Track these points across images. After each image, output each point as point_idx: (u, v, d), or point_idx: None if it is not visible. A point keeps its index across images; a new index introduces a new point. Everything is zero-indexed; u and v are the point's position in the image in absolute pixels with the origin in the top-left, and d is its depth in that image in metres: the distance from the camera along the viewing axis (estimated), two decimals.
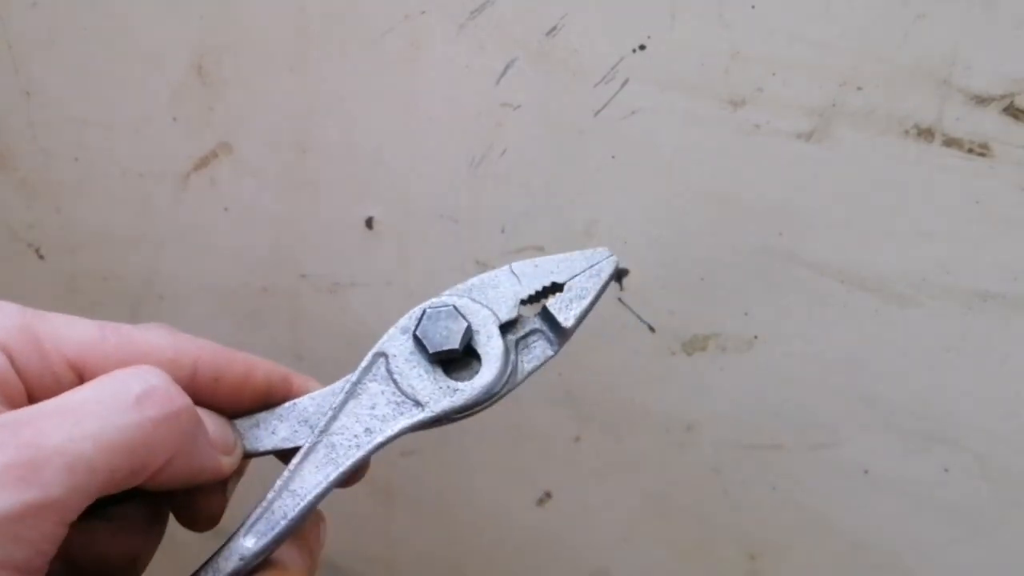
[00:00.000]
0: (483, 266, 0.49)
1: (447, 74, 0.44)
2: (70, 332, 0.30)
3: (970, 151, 0.39)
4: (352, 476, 0.34)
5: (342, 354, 0.54)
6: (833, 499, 0.49)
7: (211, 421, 0.31)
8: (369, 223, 0.50)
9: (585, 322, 0.34)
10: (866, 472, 0.48)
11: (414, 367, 0.33)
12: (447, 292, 0.35)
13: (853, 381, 0.45)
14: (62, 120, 0.52)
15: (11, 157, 0.55)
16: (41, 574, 0.24)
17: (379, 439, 0.33)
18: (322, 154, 0.49)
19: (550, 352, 0.34)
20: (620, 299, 0.47)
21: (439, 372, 0.33)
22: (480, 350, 0.33)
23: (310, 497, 0.32)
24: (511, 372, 0.33)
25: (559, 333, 0.34)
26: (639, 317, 0.47)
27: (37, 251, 0.58)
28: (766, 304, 0.45)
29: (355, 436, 0.33)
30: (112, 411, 0.26)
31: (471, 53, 0.43)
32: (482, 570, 0.62)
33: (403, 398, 0.33)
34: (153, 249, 0.55)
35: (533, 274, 0.34)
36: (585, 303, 0.34)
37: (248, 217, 0.52)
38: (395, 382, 0.33)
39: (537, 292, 0.34)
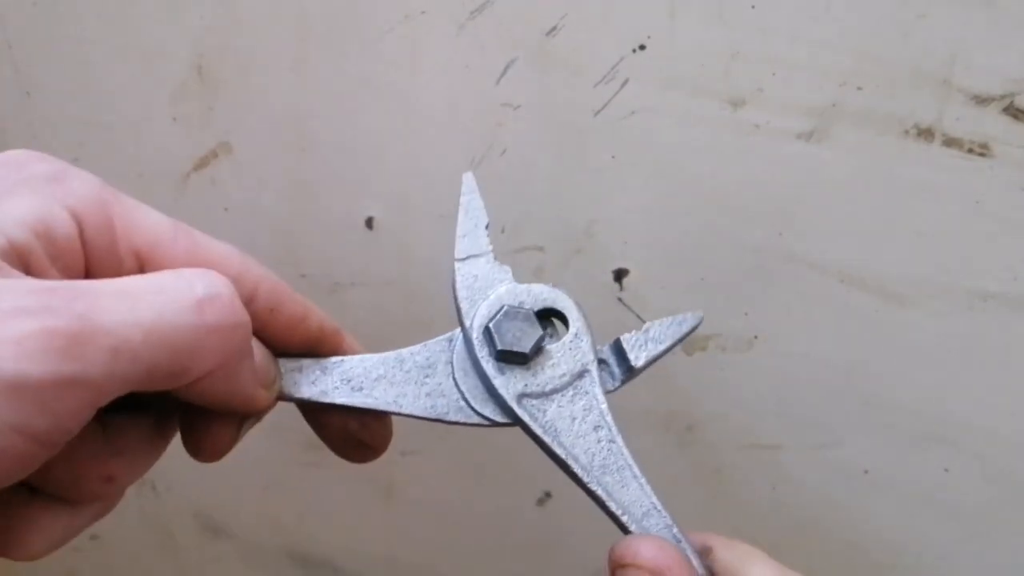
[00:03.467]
0: None
1: (447, 74, 0.44)
2: (144, 221, 0.29)
3: (970, 151, 0.39)
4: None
5: None
6: (833, 499, 0.49)
7: (258, 350, 0.30)
8: (369, 223, 0.50)
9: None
10: (866, 472, 0.48)
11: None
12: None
13: (853, 381, 0.45)
14: (62, 120, 0.52)
15: None
16: (57, 450, 0.23)
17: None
18: (322, 154, 0.49)
19: (610, 386, 0.34)
20: (620, 299, 0.47)
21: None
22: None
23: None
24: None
25: (625, 370, 0.33)
26: (639, 317, 0.47)
27: None
28: (766, 304, 0.45)
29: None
30: (171, 306, 0.25)
31: (471, 53, 0.43)
32: (482, 570, 0.62)
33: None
34: None
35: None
36: (660, 348, 0.33)
37: (248, 217, 0.52)
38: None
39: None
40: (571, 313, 0.33)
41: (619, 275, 0.47)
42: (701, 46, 0.40)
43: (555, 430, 0.32)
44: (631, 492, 0.32)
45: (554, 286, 0.33)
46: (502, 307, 0.33)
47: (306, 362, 0.33)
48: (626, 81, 0.42)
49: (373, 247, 0.50)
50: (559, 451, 0.32)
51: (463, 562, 0.62)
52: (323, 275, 0.53)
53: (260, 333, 0.31)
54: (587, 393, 0.32)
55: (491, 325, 0.32)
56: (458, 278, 0.34)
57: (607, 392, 0.33)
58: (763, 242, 0.43)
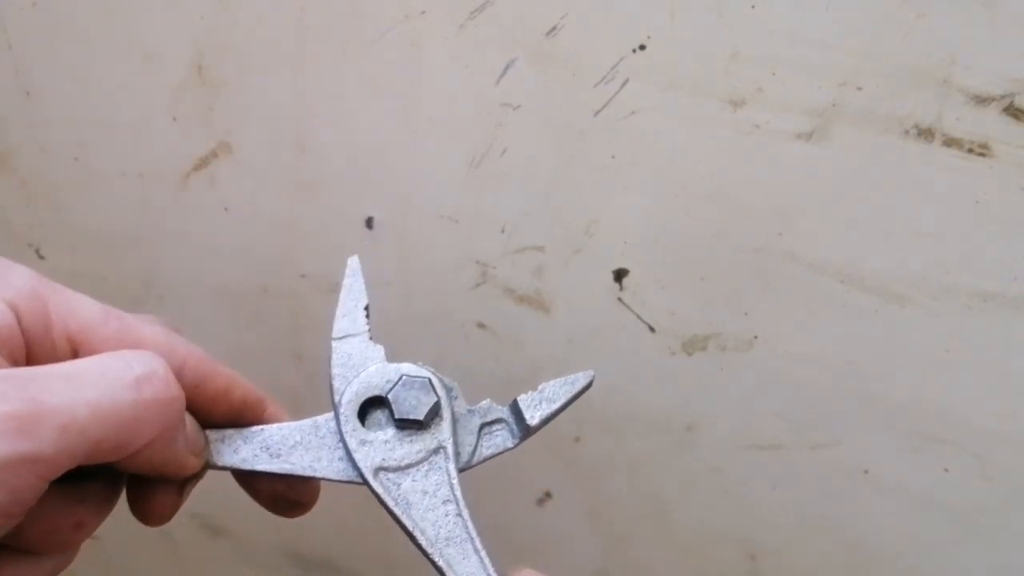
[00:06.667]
0: (483, 266, 0.49)
1: (447, 74, 0.44)
2: (77, 307, 0.31)
3: (970, 151, 0.39)
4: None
5: None
6: (833, 499, 0.49)
7: (188, 421, 0.33)
8: (369, 223, 0.50)
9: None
10: (866, 472, 0.48)
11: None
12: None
13: (853, 381, 0.45)
14: (62, 120, 0.52)
15: (11, 157, 0.55)
16: (16, 521, 0.26)
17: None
18: (322, 154, 0.49)
19: (510, 444, 0.36)
20: (620, 299, 0.47)
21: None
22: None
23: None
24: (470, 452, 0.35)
25: (523, 428, 0.35)
26: (639, 317, 0.47)
27: (37, 251, 0.58)
28: (766, 304, 0.45)
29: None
30: (112, 385, 0.27)
31: (471, 53, 0.43)
32: None
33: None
34: (153, 249, 0.55)
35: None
36: (553, 407, 0.35)
37: (248, 217, 0.52)
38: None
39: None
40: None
41: (619, 275, 0.47)
42: (701, 46, 0.40)
43: (407, 503, 0.34)
44: (471, 564, 0.34)
45: (421, 365, 0.35)
46: (400, 377, 0.35)
47: (229, 432, 0.35)
48: (626, 81, 0.42)
49: (373, 247, 0.50)
50: (407, 523, 0.33)
51: None
52: (323, 275, 0.53)
53: (188, 406, 0.33)
54: (440, 468, 0.34)
55: (389, 395, 0.34)
56: (334, 356, 0.36)
57: (507, 450, 0.35)
58: (763, 242, 0.43)
